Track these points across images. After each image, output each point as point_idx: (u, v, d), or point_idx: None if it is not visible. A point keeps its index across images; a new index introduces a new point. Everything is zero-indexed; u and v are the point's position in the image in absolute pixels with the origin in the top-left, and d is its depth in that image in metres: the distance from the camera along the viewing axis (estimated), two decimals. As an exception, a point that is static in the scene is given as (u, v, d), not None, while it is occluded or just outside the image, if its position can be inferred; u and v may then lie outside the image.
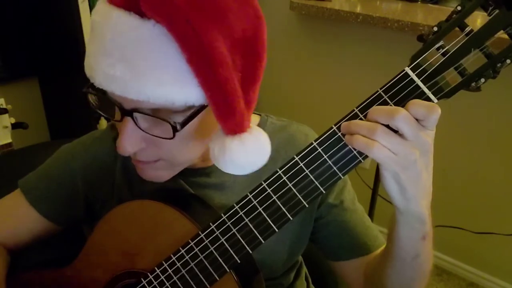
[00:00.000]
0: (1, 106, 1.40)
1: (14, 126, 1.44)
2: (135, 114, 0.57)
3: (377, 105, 0.54)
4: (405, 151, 0.52)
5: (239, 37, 0.54)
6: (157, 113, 0.56)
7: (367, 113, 0.54)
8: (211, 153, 0.58)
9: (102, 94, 0.58)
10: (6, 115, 1.41)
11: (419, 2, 1.98)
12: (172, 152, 0.62)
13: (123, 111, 0.57)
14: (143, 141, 0.60)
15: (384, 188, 0.56)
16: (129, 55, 0.52)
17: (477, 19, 0.62)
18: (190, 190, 0.75)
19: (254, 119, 0.81)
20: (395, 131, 0.52)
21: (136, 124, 0.57)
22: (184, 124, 0.57)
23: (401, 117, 0.50)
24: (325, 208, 0.78)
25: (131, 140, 0.59)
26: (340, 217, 0.78)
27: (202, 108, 0.57)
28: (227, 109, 0.53)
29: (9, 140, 1.43)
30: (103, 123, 1.78)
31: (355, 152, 0.55)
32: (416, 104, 0.51)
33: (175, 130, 0.56)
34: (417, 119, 0.51)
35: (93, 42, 0.55)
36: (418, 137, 0.51)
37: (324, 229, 0.79)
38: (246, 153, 0.56)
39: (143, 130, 0.58)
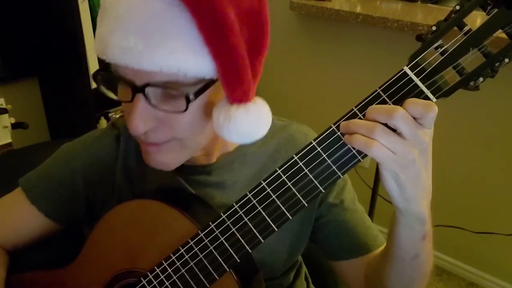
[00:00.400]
0: (1, 106, 1.40)
1: (14, 126, 1.44)
2: (147, 90, 0.56)
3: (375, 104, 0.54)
4: (404, 150, 0.52)
5: (246, 8, 0.55)
6: (170, 86, 0.56)
7: (365, 113, 0.54)
8: (215, 121, 0.58)
9: (112, 74, 0.59)
10: (6, 115, 1.41)
11: (419, 2, 1.98)
12: (183, 129, 0.62)
13: (134, 89, 0.57)
14: (155, 120, 0.60)
15: (384, 187, 0.56)
16: (142, 27, 0.53)
17: (477, 19, 0.62)
18: (190, 189, 0.75)
19: None
20: (394, 130, 0.52)
21: (148, 102, 0.57)
22: (196, 95, 0.57)
23: (399, 115, 0.50)
24: (325, 207, 0.78)
25: (143, 118, 0.58)
26: (341, 217, 0.78)
27: (212, 82, 0.58)
28: (235, 77, 0.55)
29: (9, 140, 1.43)
30: (103, 123, 1.78)
31: (354, 151, 0.55)
32: (413, 103, 0.51)
33: (188, 101, 0.56)
34: (414, 118, 0.51)
35: (106, 18, 0.56)
36: (416, 135, 0.51)
37: (324, 229, 0.79)
38: (250, 122, 0.58)
39: (154, 107, 0.58)
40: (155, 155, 0.65)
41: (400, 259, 0.65)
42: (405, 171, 0.53)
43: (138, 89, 0.57)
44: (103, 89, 0.60)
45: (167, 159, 0.65)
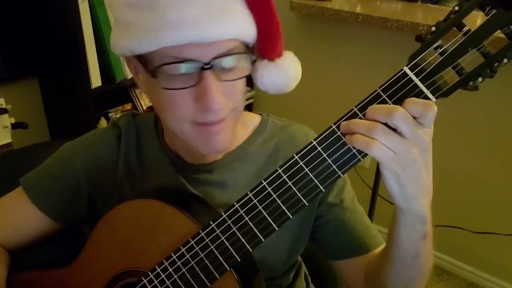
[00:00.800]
0: (1, 106, 1.40)
1: (14, 126, 1.44)
2: (214, 63, 0.59)
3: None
4: (404, 150, 0.52)
5: None
6: (236, 51, 0.61)
7: (365, 112, 0.54)
8: (268, 80, 0.66)
9: (176, 62, 0.59)
10: (6, 115, 1.41)
11: (418, 2, 1.98)
12: (239, 95, 0.66)
13: (202, 66, 0.58)
14: (223, 94, 0.62)
15: (385, 187, 0.56)
16: (204, 1, 0.57)
17: (477, 19, 0.62)
18: (191, 189, 0.75)
19: (255, 119, 0.81)
20: (394, 130, 0.52)
21: (216, 77, 0.60)
22: (252, 57, 0.64)
23: (399, 115, 0.51)
24: (325, 207, 0.78)
25: (218, 93, 0.60)
26: (340, 216, 0.78)
27: (253, 47, 0.64)
28: (277, 33, 0.63)
29: (9, 140, 1.43)
30: (103, 123, 1.78)
31: (354, 150, 0.55)
32: (412, 102, 0.51)
33: (252, 62, 0.64)
34: (414, 117, 0.51)
35: (152, 9, 0.57)
36: (416, 135, 0.52)
37: (324, 228, 0.79)
38: (295, 67, 0.68)
39: (222, 81, 0.61)
40: (220, 134, 0.66)
41: (400, 259, 0.65)
42: (406, 170, 0.53)
43: (206, 66, 0.59)
44: (166, 83, 0.60)
45: (227, 137, 0.67)
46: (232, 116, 0.66)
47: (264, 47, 0.64)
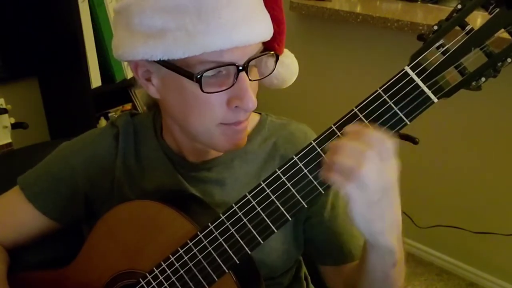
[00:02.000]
0: (1, 106, 1.39)
1: (14, 126, 1.43)
2: (248, 64, 0.61)
3: (352, 126, 0.55)
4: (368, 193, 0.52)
5: None
6: (266, 52, 0.65)
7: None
8: (275, 74, 0.70)
9: (218, 66, 0.60)
10: (6, 115, 1.41)
11: (419, 2, 1.98)
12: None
13: (239, 68, 0.61)
14: (253, 93, 0.65)
15: (353, 222, 0.56)
16: (243, 6, 0.59)
17: (478, 18, 0.62)
18: (190, 190, 0.75)
19: (254, 117, 0.81)
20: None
21: (248, 78, 0.62)
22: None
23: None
24: (316, 210, 0.77)
25: (252, 93, 0.63)
26: (329, 222, 0.77)
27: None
28: (284, 34, 0.68)
29: (9, 140, 1.42)
30: (103, 123, 1.78)
31: None
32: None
33: (277, 58, 0.67)
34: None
35: (204, 14, 0.58)
36: (381, 177, 0.52)
37: (311, 232, 0.79)
38: (295, 62, 0.74)
39: (253, 80, 0.64)
40: (241, 132, 0.68)
41: (370, 279, 0.66)
42: (371, 209, 0.54)
43: (243, 68, 0.61)
44: (207, 88, 0.61)
45: (246, 133, 0.70)
46: (248, 119, 0.69)
47: (273, 45, 0.66)
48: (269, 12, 0.64)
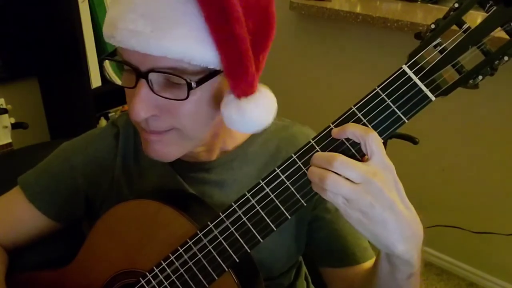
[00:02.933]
0: (1, 106, 1.40)
1: (14, 126, 1.44)
2: (151, 76, 0.57)
3: (350, 123, 0.55)
4: (356, 197, 0.51)
5: (253, 2, 0.56)
6: (173, 72, 0.57)
7: (312, 159, 0.54)
8: (227, 117, 0.60)
9: (117, 60, 0.59)
10: (6, 115, 1.41)
11: (418, 2, 1.98)
12: (185, 119, 0.62)
13: (138, 74, 0.58)
14: (157, 108, 0.60)
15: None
16: (151, 11, 0.54)
17: (477, 18, 0.62)
18: (189, 189, 0.75)
19: None
20: None
21: (151, 88, 0.58)
22: (198, 83, 0.58)
23: (337, 163, 0.51)
24: (320, 212, 0.77)
25: (144, 104, 0.59)
26: (333, 224, 0.77)
27: (215, 73, 0.59)
28: (241, 69, 0.56)
29: (9, 140, 1.42)
30: (103, 123, 1.78)
31: (353, 150, 0.55)
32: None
33: (189, 88, 0.57)
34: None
35: (118, 2, 0.57)
36: (365, 178, 0.51)
37: (315, 233, 0.78)
38: (261, 111, 0.60)
39: (156, 94, 0.58)
40: (155, 144, 0.65)
41: (381, 287, 0.64)
42: (367, 216, 0.52)
43: (142, 75, 0.58)
44: (108, 74, 0.62)
45: (166, 150, 0.65)
46: (175, 135, 0.63)
47: (228, 81, 0.58)
48: (215, 36, 0.54)
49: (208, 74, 0.58)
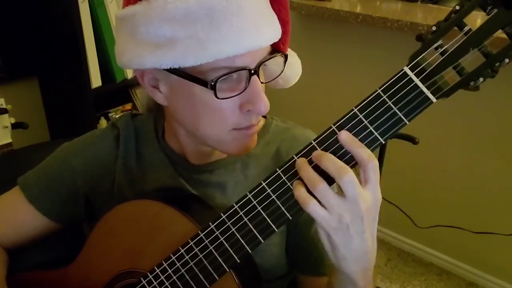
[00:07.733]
0: (1, 106, 1.40)
1: (14, 126, 1.44)
2: (259, 67, 0.61)
3: (353, 128, 0.56)
4: (338, 214, 0.53)
5: None
6: (273, 55, 0.64)
7: (320, 159, 0.55)
8: (288, 77, 0.73)
9: (230, 72, 0.60)
10: (6, 115, 1.41)
11: (418, 2, 1.98)
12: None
13: (251, 72, 0.61)
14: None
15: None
16: (255, 12, 0.59)
17: (477, 18, 0.62)
18: (191, 190, 0.75)
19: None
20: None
21: (260, 80, 0.62)
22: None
23: (347, 179, 0.52)
24: (303, 217, 0.75)
25: (265, 96, 0.63)
26: (313, 231, 0.76)
27: None
28: (289, 34, 0.69)
29: (9, 140, 1.43)
30: (103, 123, 1.78)
31: (348, 156, 0.55)
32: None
33: (286, 59, 0.68)
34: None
35: (218, 21, 0.57)
36: (355, 201, 0.53)
37: (293, 238, 0.78)
38: (295, 67, 0.75)
39: (263, 83, 0.64)
40: (252, 136, 0.68)
41: None
42: (337, 233, 0.54)
43: (255, 71, 0.61)
44: (220, 94, 0.60)
45: (256, 136, 0.70)
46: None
47: (278, 44, 0.67)
48: (276, 14, 0.65)
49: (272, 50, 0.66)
